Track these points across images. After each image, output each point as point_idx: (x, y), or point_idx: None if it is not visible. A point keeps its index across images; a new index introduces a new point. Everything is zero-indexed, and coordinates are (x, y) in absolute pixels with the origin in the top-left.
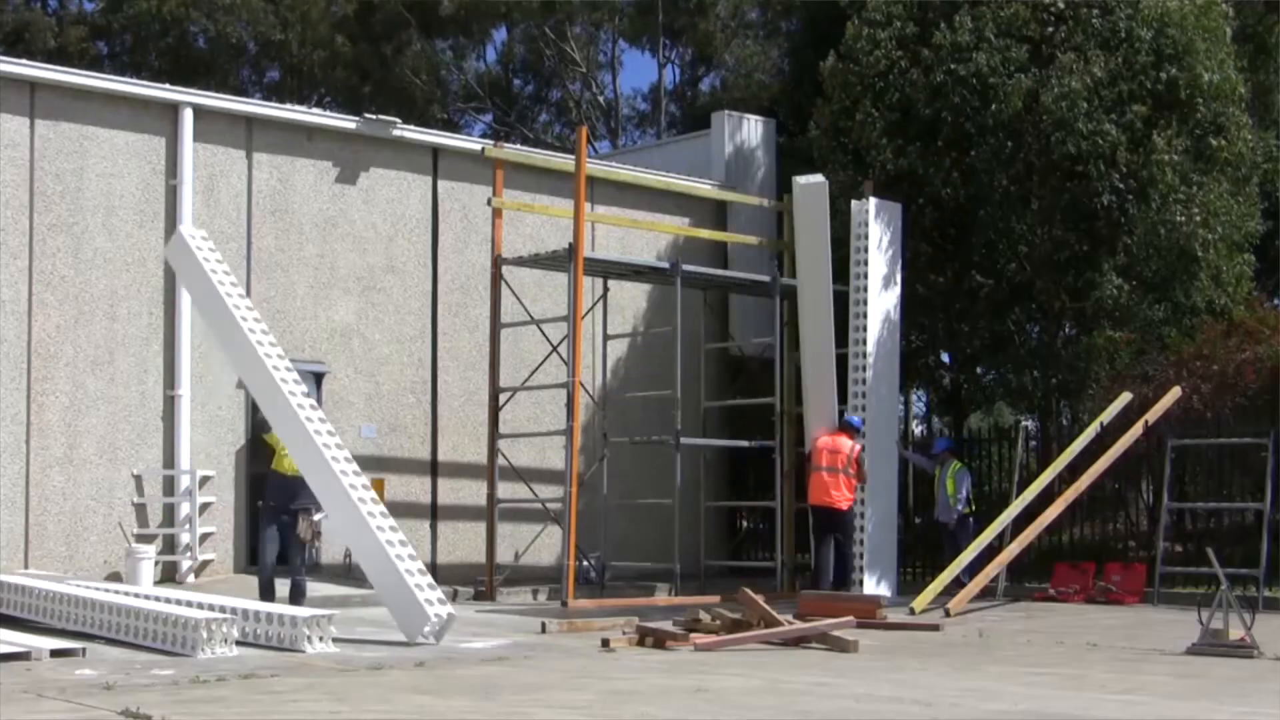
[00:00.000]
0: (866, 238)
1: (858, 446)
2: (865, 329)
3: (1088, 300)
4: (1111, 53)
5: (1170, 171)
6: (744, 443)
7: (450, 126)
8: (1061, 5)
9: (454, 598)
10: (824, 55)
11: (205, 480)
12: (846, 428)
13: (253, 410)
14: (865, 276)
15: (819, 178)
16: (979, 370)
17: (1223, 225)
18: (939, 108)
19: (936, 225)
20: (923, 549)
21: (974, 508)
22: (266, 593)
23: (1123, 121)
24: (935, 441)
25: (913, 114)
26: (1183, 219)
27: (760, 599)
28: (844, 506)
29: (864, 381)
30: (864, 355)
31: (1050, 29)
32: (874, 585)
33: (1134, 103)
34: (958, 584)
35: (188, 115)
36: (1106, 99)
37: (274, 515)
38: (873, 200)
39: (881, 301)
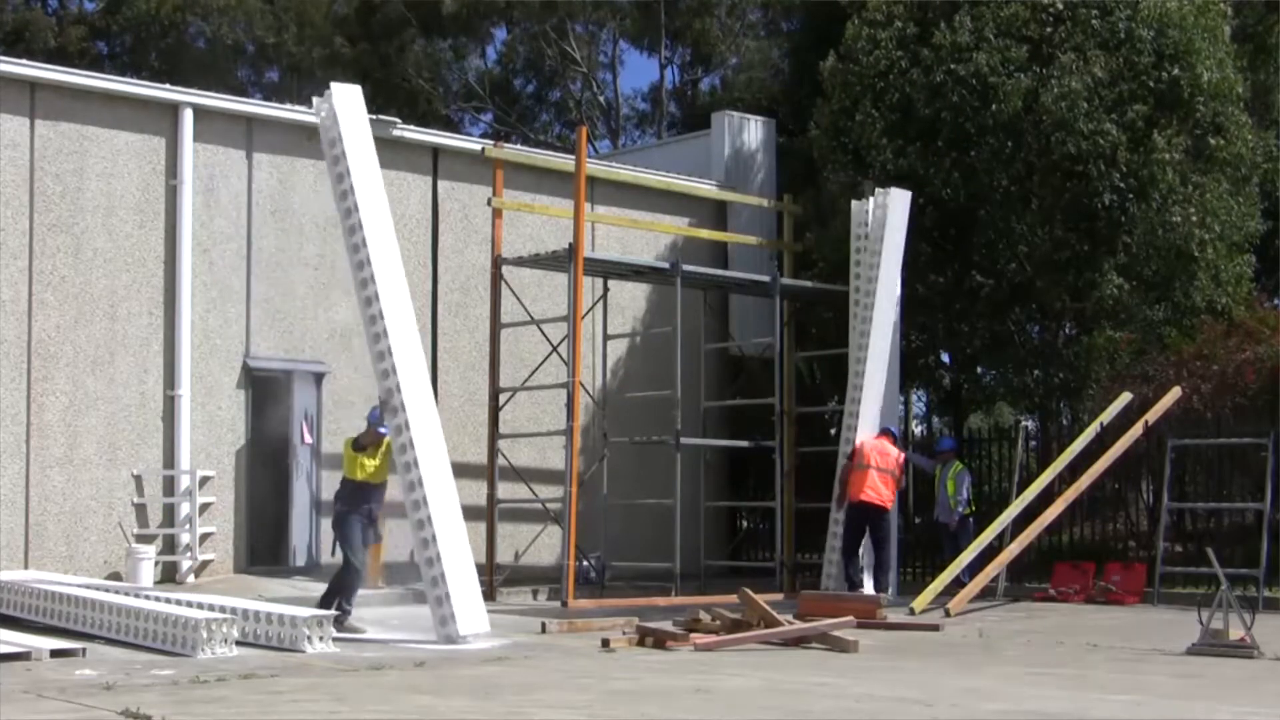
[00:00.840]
0: (867, 238)
1: (903, 454)
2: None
3: (1088, 300)
4: (1112, 53)
5: (1170, 171)
6: (744, 443)
7: (451, 126)
8: (1060, 6)
9: None
10: (824, 55)
11: (205, 480)
12: (888, 434)
13: (252, 411)
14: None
15: (904, 191)
16: (979, 370)
17: (1222, 225)
18: (939, 108)
19: (937, 225)
20: (923, 549)
21: (974, 508)
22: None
23: (1123, 121)
24: (940, 440)
25: (912, 114)
26: (1180, 219)
27: (760, 599)
28: (889, 505)
29: (861, 384)
30: (867, 355)
31: (1049, 29)
32: (874, 586)
33: (1134, 102)
34: (958, 584)
35: (188, 115)
36: (1107, 99)
37: (360, 518)
38: (873, 200)
39: (888, 304)
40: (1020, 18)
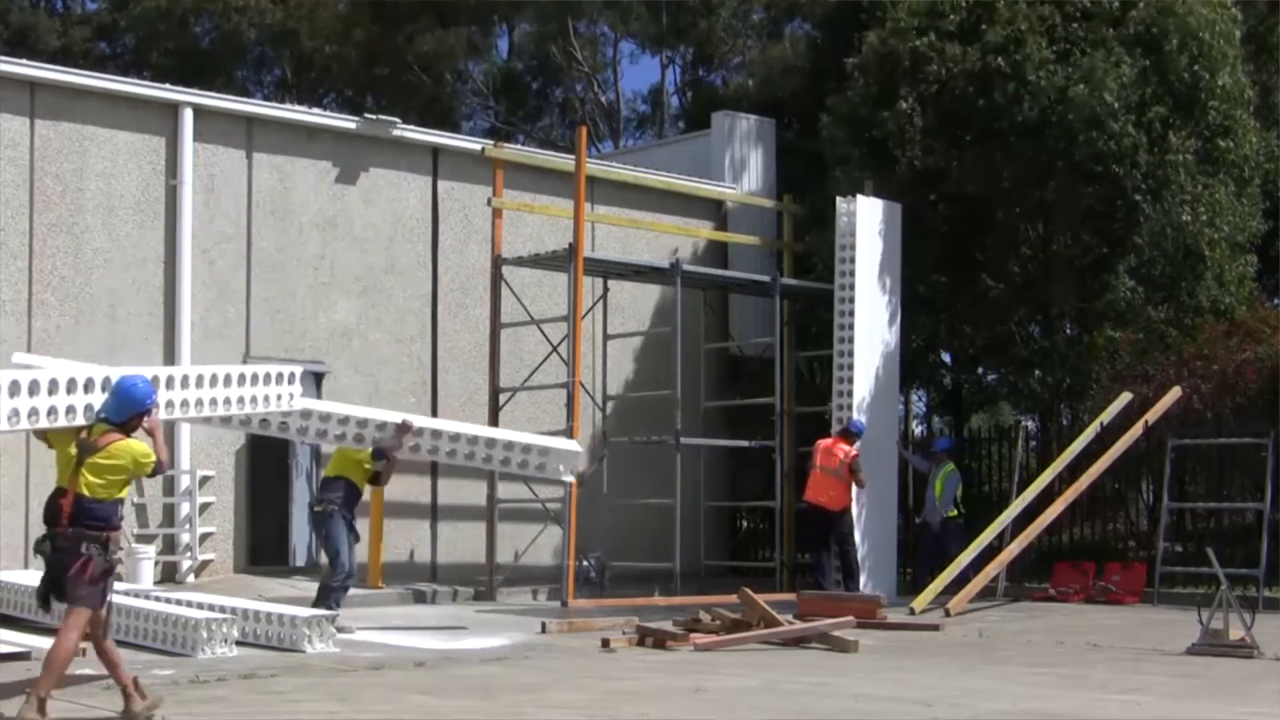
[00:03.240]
0: (853, 233)
1: (853, 452)
2: (852, 328)
3: (1099, 301)
4: (1136, 52)
5: (1183, 172)
6: (744, 443)
7: (455, 127)
8: (1086, 3)
9: (454, 598)
10: (848, 49)
11: (205, 480)
12: (845, 433)
13: None
14: (852, 274)
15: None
16: (980, 370)
17: (1227, 225)
18: (975, 100)
19: (948, 222)
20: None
21: (960, 511)
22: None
23: (1143, 122)
24: (936, 440)
25: (947, 108)
26: (1189, 218)
27: (760, 599)
28: (835, 509)
29: (849, 380)
30: (849, 355)
31: (1074, 24)
32: (873, 586)
33: (1155, 104)
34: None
35: (188, 115)
36: (1131, 100)
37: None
38: (876, 201)
39: (882, 306)
40: (1052, 19)
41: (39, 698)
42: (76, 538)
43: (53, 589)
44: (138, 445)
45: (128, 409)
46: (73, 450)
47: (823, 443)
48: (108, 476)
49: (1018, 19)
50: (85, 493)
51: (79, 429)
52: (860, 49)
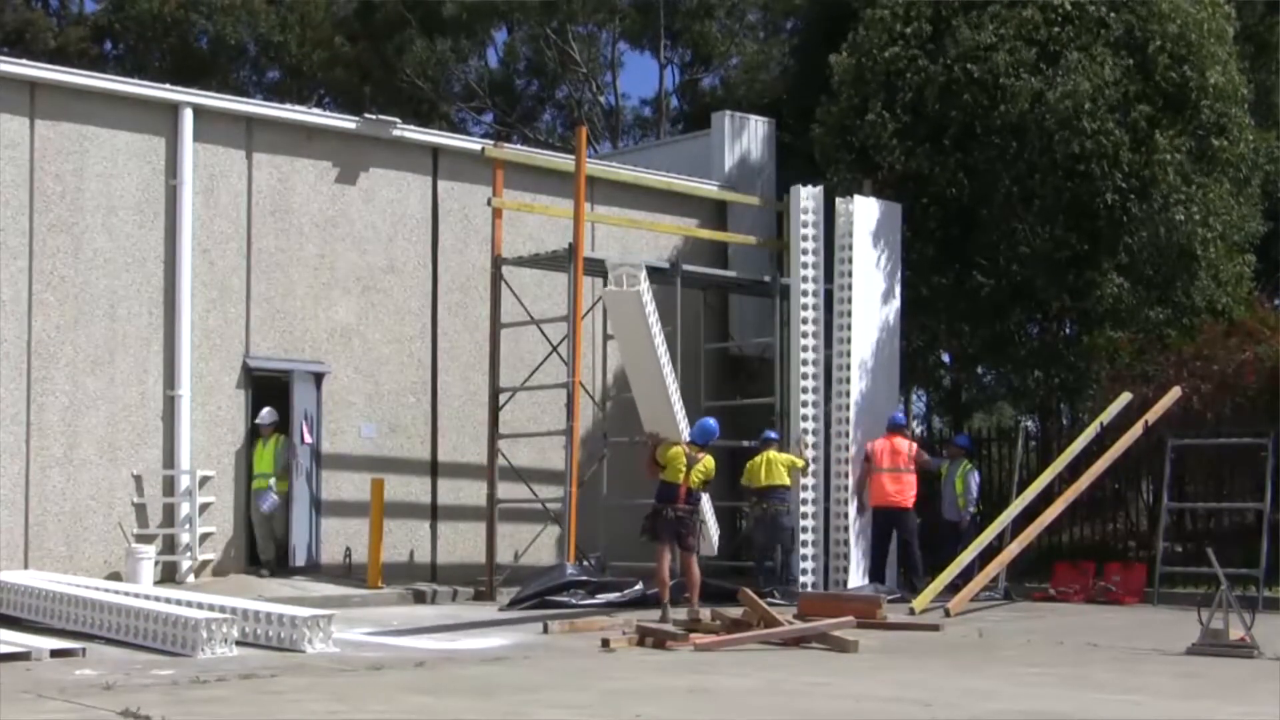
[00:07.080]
0: (851, 234)
1: (915, 445)
2: (850, 329)
3: (1089, 299)
4: (1120, 53)
5: (1172, 171)
6: (744, 443)
7: (452, 127)
8: (1069, 6)
9: (454, 598)
10: (832, 52)
11: (205, 480)
12: (897, 427)
13: (252, 411)
14: (850, 274)
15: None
16: (979, 370)
17: (1224, 225)
18: (949, 107)
19: (940, 225)
20: (925, 548)
21: (980, 508)
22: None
23: (1126, 121)
24: (955, 436)
25: (923, 113)
26: (1183, 217)
27: (761, 599)
28: (909, 505)
29: (847, 381)
30: (847, 355)
31: (1057, 28)
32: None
33: (1140, 103)
34: (964, 579)
35: (188, 115)
36: (1111, 99)
37: None
38: (873, 201)
39: (881, 307)
40: (1032, 21)
41: (695, 607)
42: (690, 512)
43: (656, 536)
44: (710, 460)
45: (707, 436)
46: (680, 462)
47: (880, 445)
48: (700, 477)
49: (984, 29)
50: (692, 486)
51: (680, 449)
52: (837, 60)
